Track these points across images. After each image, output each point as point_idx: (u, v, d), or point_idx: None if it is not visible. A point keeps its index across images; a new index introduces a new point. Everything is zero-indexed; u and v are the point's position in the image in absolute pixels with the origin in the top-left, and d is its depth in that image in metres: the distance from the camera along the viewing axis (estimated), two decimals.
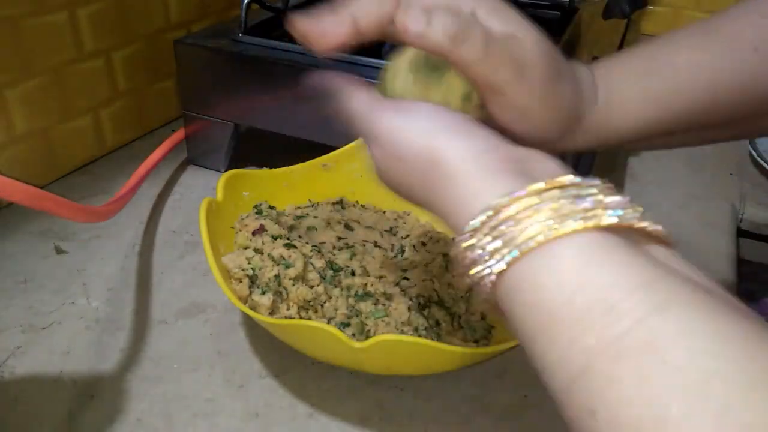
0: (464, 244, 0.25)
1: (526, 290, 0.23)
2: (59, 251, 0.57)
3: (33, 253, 0.57)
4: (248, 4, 0.64)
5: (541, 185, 0.24)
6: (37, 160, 0.65)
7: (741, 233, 0.67)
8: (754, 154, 0.72)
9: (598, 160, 0.62)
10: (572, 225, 0.23)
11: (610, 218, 0.23)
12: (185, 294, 0.53)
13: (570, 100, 0.33)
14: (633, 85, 0.34)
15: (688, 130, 0.35)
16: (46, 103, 0.64)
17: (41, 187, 0.37)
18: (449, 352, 0.39)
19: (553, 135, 0.33)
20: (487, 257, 0.24)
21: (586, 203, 0.24)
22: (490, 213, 0.24)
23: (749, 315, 0.21)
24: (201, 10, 0.81)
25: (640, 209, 0.25)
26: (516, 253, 0.23)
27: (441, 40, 0.28)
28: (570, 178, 0.25)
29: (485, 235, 0.24)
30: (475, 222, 0.25)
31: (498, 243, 0.24)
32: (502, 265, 0.24)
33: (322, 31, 0.30)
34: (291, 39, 0.66)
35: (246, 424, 0.42)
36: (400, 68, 0.34)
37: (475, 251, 0.25)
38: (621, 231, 0.24)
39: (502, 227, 0.24)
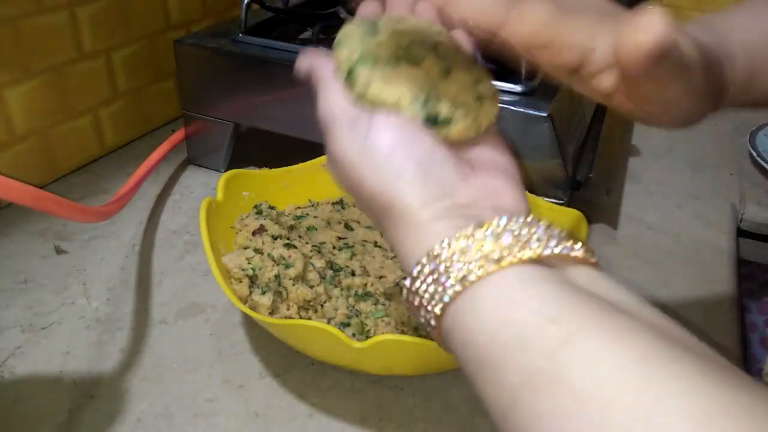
0: (407, 290, 0.26)
1: (458, 332, 0.24)
2: (59, 251, 0.57)
3: (33, 253, 0.57)
4: (248, 4, 0.64)
5: (468, 230, 0.25)
6: (37, 160, 0.65)
7: (741, 233, 0.67)
8: (754, 154, 0.72)
9: (598, 161, 0.62)
10: (490, 266, 0.24)
11: (527, 252, 0.24)
12: (185, 294, 0.53)
13: (715, 81, 0.31)
14: None
15: None
16: (46, 103, 0.64)
17: (41, 187, 0.37)
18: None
19: (698, 117, 0.31)
20: (425, 303, 0.25)
21: (505, 241, 0.25)
22: (426, 261, 0.25)
23: (665, 331, 0.22)
24: (201, 10, 0.81)
25: (555, 233, 0.25)
26: (446, 298, 0.24)
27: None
28: (497, 220, 0.25)
29: (423, 281, 0.25)
30: (414, 270, 0.26)
31: (432, 289, 0.25)
32: (437, 311, 0.25)
33: None
34: (291, 39, 0.66)
35: (246, 424, 0.42)
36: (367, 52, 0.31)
37: (416, 297, 0.26)
38: (544, 260, 0.25)
39: (436, 273, 0.25)
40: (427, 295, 0.25)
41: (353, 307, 0.45)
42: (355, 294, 0.46)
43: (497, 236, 0.25)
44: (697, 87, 0.28)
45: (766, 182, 0.71)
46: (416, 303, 0.26)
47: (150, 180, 0.66)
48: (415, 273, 0.26)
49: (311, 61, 0.33)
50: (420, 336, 0.43)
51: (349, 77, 0.31)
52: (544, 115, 0.52)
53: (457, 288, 0.24)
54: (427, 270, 0.25)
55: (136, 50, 0.73)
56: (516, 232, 0.25)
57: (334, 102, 0.31)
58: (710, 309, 0.53)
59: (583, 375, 0.20)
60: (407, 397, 0.44)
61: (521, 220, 0.25)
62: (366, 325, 0.44)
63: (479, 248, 0.24)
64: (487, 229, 0.25)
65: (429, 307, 0.25)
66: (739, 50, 0.32)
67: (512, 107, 0.53)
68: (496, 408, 0.23)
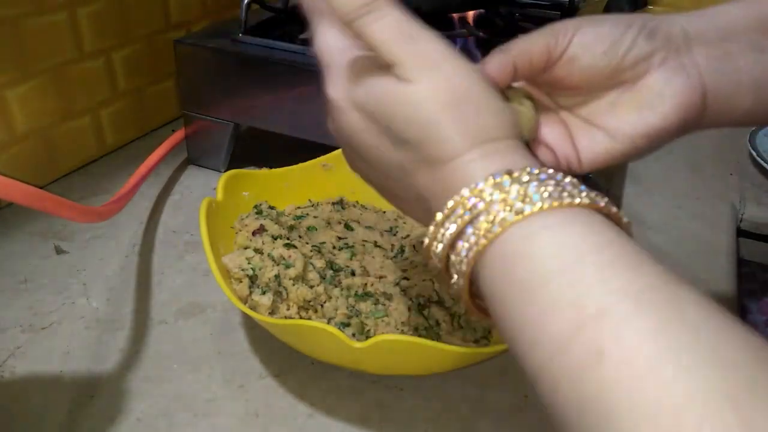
0: (443, 223, 0.25)
1: (526, 251, 0.23)
2: (59, 251, 0.57)
3: (33, 253, 0.57)
4: (248, 4, 0.64)
5: (524, 166, 0.25)
6: (37, 160, 0.65)
7: (741, 233, 0.67)
8: (754, 154, 0.72)
9: None
10: (553, 201, 0.24)
11: (583, 198, 0.24)
12: (185, 294, 0.53)
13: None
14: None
15: None
16: (46, 103, 0.64)
17: (41, 187, 0.37)
18: (449, 352, 0.39)
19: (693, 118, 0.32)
20: (483, 217, 0.24)
21: (564, 186, 0.24)
22: (498, 179, 0.25)
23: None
24: (201, 10, 0.81)
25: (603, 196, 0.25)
26: (497, 229, 0.24)
27: None
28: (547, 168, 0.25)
29: (465, 212, 0.25)
30: (462, 194, 0.25)
31: (499, 208, 0.24)
32: (483, 241, 0.24)
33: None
34: (291, 39, 0.66)
35: (246, 424, 0.42)
36: None
37: (448, 228, 0.25)
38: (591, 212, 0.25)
39: (482, 204, 0.24)
40: (489, 213, 0.24)
41: (353, 307, 0.45)
42: (355, 294, 0.46)
43: (555, 181, 0.25)
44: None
45: (766, 182, 0.71)
46: (464, 218, 0.25)
47: (150, 180, 0.66)
48: (478, 187, 0.25)
49: None
50: (420, 336, 0.43)
51: None
52: None
53: (537, 206, 0.23)
54: (472, 203, 0.24)
55: (136, 50, 0.73)
56: (573, 182, 0.25)
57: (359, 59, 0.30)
58: None
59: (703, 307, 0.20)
60: (407, 397, 0.44)
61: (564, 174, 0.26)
62: (366, 325, 0.44)
63: (537, 187, 0.24)
64: (542, 173, 0.25)
65: (487, 221, 0.24)
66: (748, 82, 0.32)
67: None
68: (563, 322, 0.21)
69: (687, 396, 0.18)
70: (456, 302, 0.47)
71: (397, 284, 0.47)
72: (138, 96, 0.75)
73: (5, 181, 0.34)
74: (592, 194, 0.25)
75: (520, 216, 0.24)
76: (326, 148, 0.57)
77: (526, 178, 0.24)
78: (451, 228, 0.25)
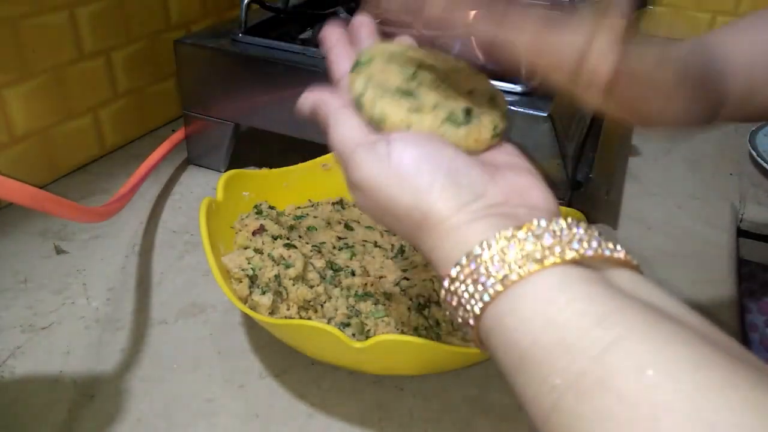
0: (445, 291, 0.26)
1: (499, 333, 0.24)
2: (59, 251, 0.57)
3: (33, 253, 0.57)
4: (248, 4, 0.64)
5: (509, 231, 0.25)
6: (37, 160, 0.65)
7: (741, 233, 0.67)
8: (754, 154, 0.72)
9: (597, 161, 0.62)
10: (533, 266, 0.24)
11: (570, 253, 0.24)
12: (185, 294, 0.53)
13: (710, 94, 0.33)
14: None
15: None
16: (46, 103, 0.64)
17: (41, 187, 0.37)
18: (449, 352, 0.39)
19: (694, 124, 0.33)
20: (464, 302, 0.25)
21: (547, 241, 0.25)
22: (465, 261, 0.25)
23: (712, 339, 0.22)
24: (201, 10, 0.81)
25: (596, 235, 0.26)
26: (487, 297, 0.24)
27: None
28: (537, 220, 0.26)
29: (462, 281, 0.25)
30: (453, 270, 0.26)
31: (472, 288, 0.25)
32: (476, 310, 0.25)
33: None
34: (291, 39, 0.66)
35: (246, 424, 0.42)
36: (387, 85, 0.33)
37: (454, 297, 0.26)
38: (585, 261, 0.25)
39: (476, 273, 0.25)
40: (466, 295, 0.25)
41: (353, 307, 0.45)
42: (355, 294, 0.46)
43: (538, 236, 0.25)
44: (683, 95, 0.31)
45: (766, 182, 0.71)
46: (455, 303, 0.26)
47: (150, 180, 0.66)
48: (454, 273, 0.26)
49: (315, 97, 0.34)
50: (420, 336, 0.43)
51: (359, 102, 0.33)
52: (544, 115, 0.52)
53: (498, 287, 0.24)
54: (467, 270, 0.25)
55: (136, 50, 0.73)
56: (557, 233, 0.25)
57: (348, 130, 0.32)
58: (710, 309, 0.53)
59: (632, 380, 0.20)
60: (407, 397, 0.44)
61: (561, 220, 0.25)
62: (366, 325, 0.44)
63: (521, 248, 0.24)
64: (527, 230, 0.25)
65: (468, 307, 0.25)
66: (739, 67, 0.34)
67: (512, 107, 0.53)
68: (537, 409, 0.22)
69: None
70: None
71: (397, 284, 0.47)
72: (138, 96, 0.75)
73: (5, 181, 0.34)
74: (588, 244, 0.25)
75: (507, 282, 0.24)
76: (326, 148, 0.57)
77: (522, 235, 0.25)
78: (458, 289, 0.26)
